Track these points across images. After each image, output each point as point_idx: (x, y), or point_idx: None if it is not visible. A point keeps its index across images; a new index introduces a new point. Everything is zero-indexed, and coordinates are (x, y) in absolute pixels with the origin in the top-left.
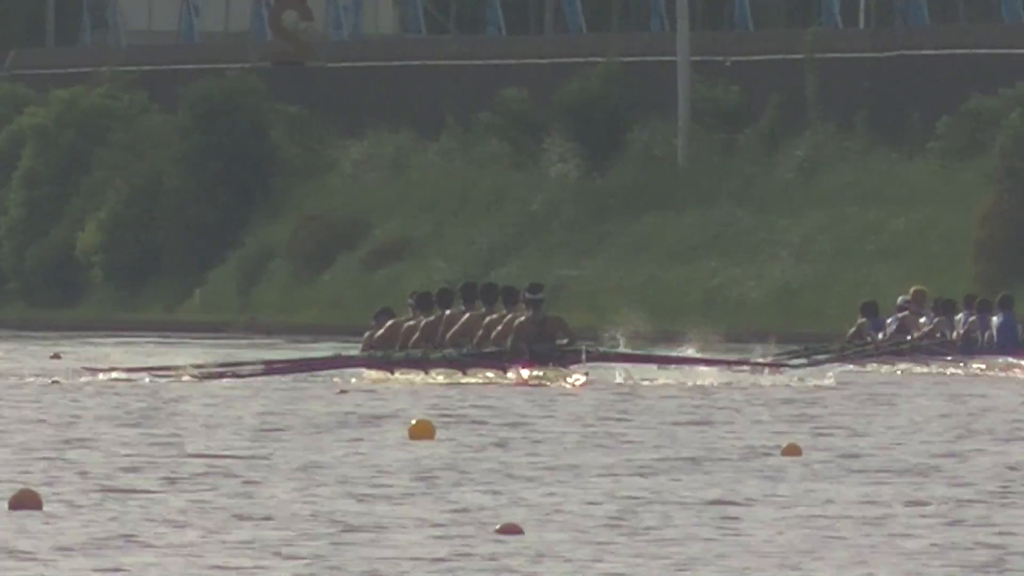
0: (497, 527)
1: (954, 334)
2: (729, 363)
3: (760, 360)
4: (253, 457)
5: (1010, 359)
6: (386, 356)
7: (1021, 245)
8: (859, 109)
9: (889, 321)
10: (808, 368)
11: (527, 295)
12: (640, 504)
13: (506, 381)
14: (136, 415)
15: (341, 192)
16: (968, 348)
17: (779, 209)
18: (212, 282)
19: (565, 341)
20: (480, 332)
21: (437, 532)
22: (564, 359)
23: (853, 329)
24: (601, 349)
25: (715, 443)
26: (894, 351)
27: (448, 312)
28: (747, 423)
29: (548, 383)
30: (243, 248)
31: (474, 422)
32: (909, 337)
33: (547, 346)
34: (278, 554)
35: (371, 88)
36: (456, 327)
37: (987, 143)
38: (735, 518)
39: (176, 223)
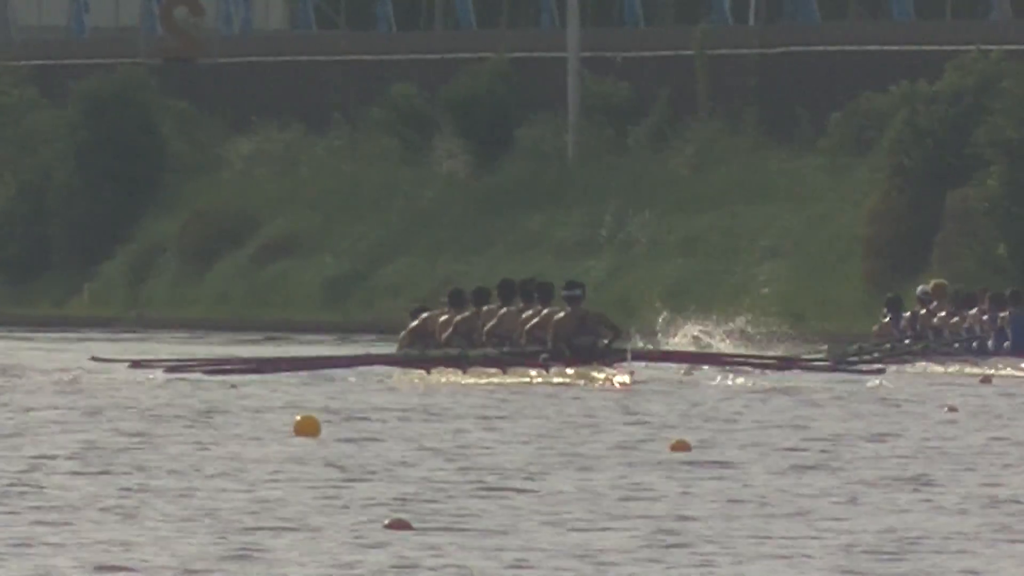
0: (386, 522)
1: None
2: (780, 365)
3: (814, 358)
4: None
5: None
6: (424, 354)
7: (909, 243)
8: (749, 106)
9: (907, 315)
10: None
11: (564, 292)
12: (532, 499)
13: (541, 381)
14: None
15: (230, 188)
16: (984, 347)
17: (668, 206)
18: (101, 277)
19: (606, 341)
20: (518, 329)
21: (326, 528)
22: (608, 357)
23: (877, 327)
24: (647, 347)
25: (621, 439)
26: (912, 351)
27: (485, 308)
28: (665, 421)
29: (591, 383)
30: (132, 243)
31: (361, 418)
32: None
33: (588, 341)
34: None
35: (260, 84)
36: (493, 322)
37: (876, 141)
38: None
39: (65, 218)
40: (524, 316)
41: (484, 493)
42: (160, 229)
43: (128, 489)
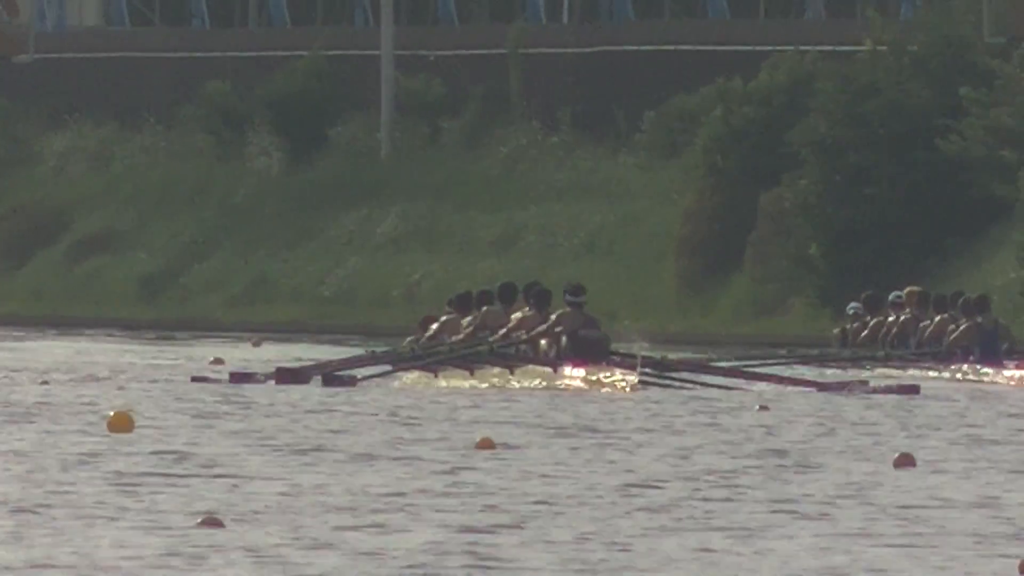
0: (199, 520)
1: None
2: (796, 382)
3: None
4: None
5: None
6: (428, 354)
7: (722, 242)
8: (563, 104)
9: (890, 320)
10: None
11: (568, 297)
12: (338, 497)
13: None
14: None
15: (44, 184)
16: (950, 353)
17: (483, 204)
18: None
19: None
20: (521, 329)
21: (137, 525)
22: (618, 363)
23: (851, 313)
24: (657, 356)
25: (433, 438)
26: (874, 358)
27: (486, 309)
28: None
29: (599, 387)
30: None
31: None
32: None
33: (594, 335)
34: None
35: (75, 80)
36: (495, 323)
37: (691, 139)
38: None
39: None
40: (522, 314)
41: (298, 490)
42: None
43: None
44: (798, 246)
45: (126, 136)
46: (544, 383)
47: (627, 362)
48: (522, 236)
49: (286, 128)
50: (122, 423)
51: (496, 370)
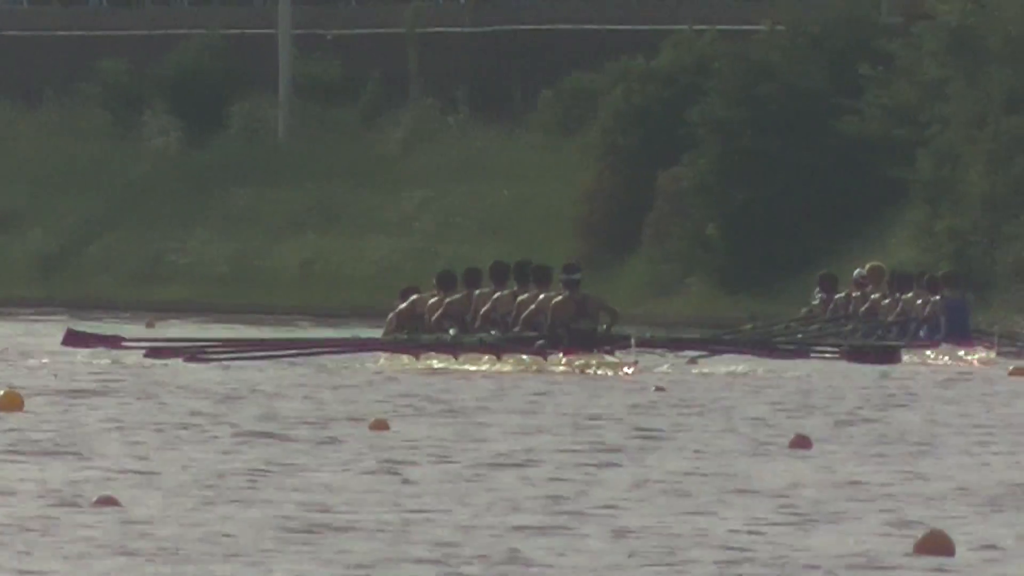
0: (94, 499)
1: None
2: (792, 354)
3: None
4: None
5: (957, 348)
6: (414, 339)
7: (620, 221)
8: (460, 84)
9: (840, 296)
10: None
11: (563, 275)
12: (238, 473)
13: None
14: None
15: None
16: (917, 332)
17: (380, 184)
18: None
19: (605, 326)
20: (512, 312)
21: (35, 503)
22: (610, 344)
23: (816, 303)
24: (648, 335)
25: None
26: (840, 333)
27: (477, 292)
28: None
29: (592, 371)
30: None
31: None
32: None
33: (588, 325)
34: None
35: None
36: (487, 306)
37: (588, 118)
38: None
39: None
40: (519, 300)
41: (194, 471)
42: None
43: None
44: (696, 226)
45: (23, 114)
46: (535, 368)
47: (619, 344)
48: (419, 216)
49: (183, 107)
50: (11, 402)
51: (482, 356)
